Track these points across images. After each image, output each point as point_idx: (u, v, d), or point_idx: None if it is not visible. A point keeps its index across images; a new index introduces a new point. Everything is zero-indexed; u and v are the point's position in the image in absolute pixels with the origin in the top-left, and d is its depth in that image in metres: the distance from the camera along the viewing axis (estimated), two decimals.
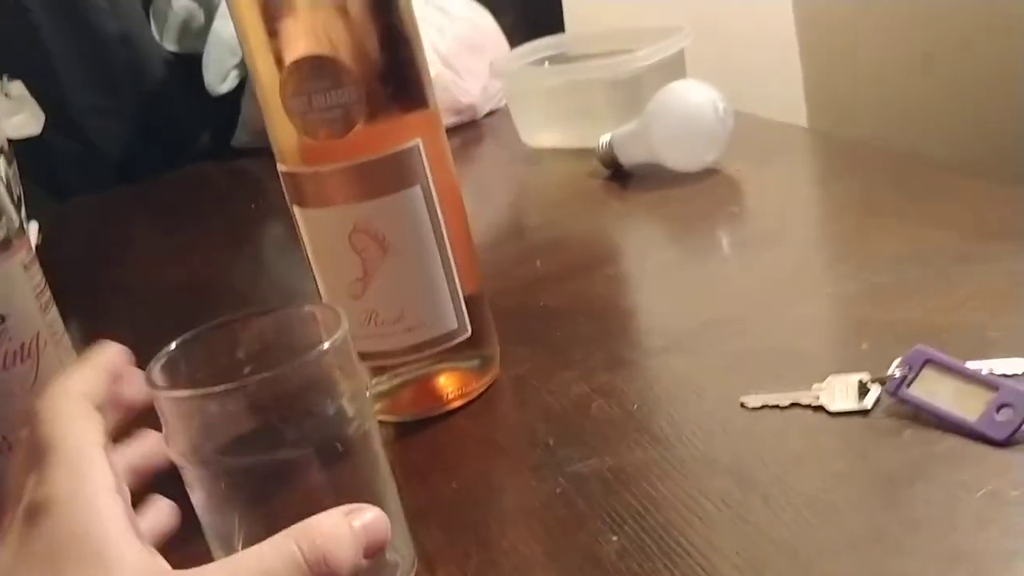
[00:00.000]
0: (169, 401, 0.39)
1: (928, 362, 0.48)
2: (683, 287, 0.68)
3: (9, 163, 0.97)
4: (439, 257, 0.55)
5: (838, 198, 0.75)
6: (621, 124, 0.89)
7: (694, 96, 0.82)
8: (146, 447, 0.43)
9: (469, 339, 0.57)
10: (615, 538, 0.43)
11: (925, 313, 0.55)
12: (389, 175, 0.52)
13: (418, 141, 0.53)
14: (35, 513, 0.36)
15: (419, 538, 0.46)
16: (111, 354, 0.42)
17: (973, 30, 1.21)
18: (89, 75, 1.29)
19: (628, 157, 0.88)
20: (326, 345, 0.39)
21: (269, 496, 0.40)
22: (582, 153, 0.97)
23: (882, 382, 0.49)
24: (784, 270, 0.66)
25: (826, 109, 1.45)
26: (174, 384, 0.41)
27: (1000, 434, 0.44)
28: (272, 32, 0.51)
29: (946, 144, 1.20)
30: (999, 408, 0.44)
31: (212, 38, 1.24)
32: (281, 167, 0.54)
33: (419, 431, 0.56)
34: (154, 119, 1.33)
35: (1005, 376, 0.47)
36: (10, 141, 0.98)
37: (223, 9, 1.25)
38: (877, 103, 1.36)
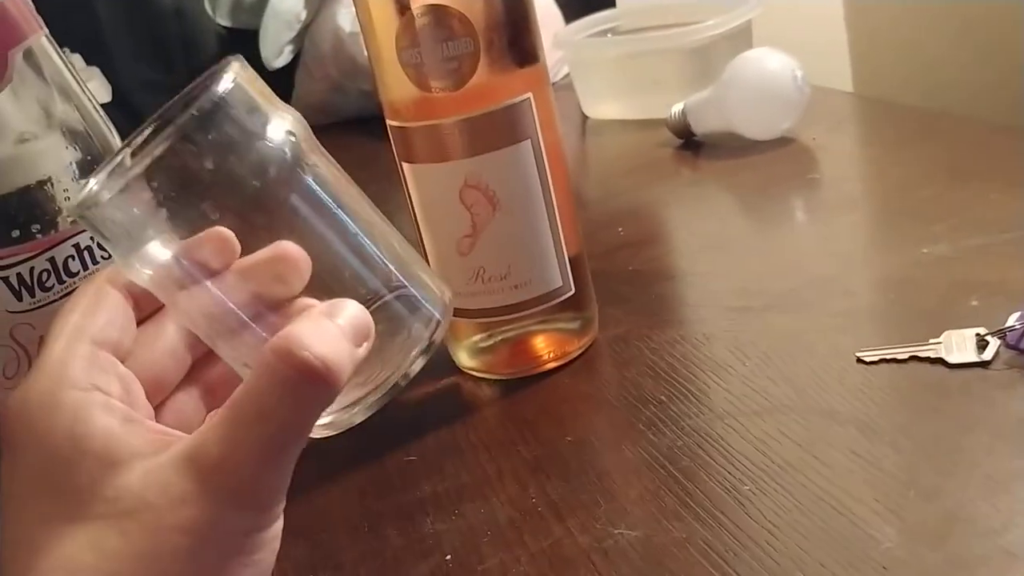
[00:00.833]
0: (113, 203, 0.34)
1: None
2: (772, 250, 0.68)
3: None
4: (546, 214, 0.55)
5: (919, 164, 0.74)
6: (687, 95, 0.89)
7: (772, 63, 0.82)
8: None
9: (571, 299, 0.57)
10: (747, 487, 0.43)
11: None
12: (501, 129, 0.52)
13: (529, 95, 0.53)
14: (5, 428, 0.34)
15: (542, 487, 0.47)
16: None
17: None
18: (142, 50, 1.29)
19: (702, 125, 0.87)
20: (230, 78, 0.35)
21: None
22: (646, 124, 0.97)
23: (1001, 335, 0.48)
24: (874, 233, 0.66)
25: (872, 81, 1.44)
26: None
27: None
28: None
29: (992, 110, 1.19)
30: None
31: (269, 11, 1.24)
32: (391, 122, 0.54)
33: (522, 388, 0.56)
34: None
35: None
36: None
37: None
38: (923, 74, 1.35)
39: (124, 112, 1.31)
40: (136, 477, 0.32)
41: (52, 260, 0.47)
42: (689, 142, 0.90)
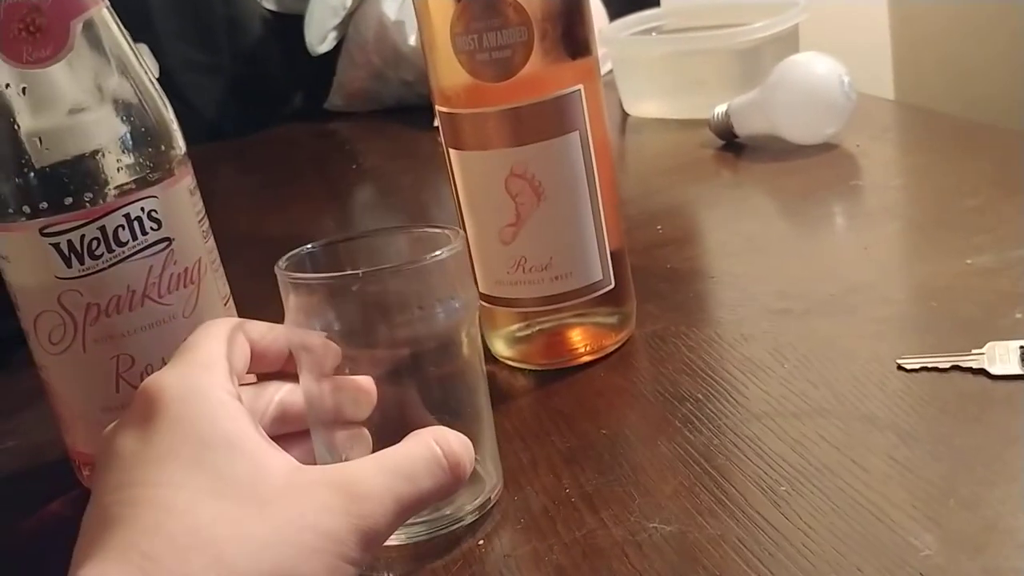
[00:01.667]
0: (299, 286, 0.42)
1: None
2: (813, 254, 0.67)
3: None
4: (591, 207, 0.55)
5: (963, 175, 0.74)
6: (731, 96, 0.89)
7: (819, 68, 0.82)
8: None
9: (610, 294, 0.57)
10: (783, 487, 0.43)
11: None
12: (549, 120, 0.52)
13: (580, 87, 0.53)
14: (151, 400, 0.38)
15: (575, 478, 0.47)
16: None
17: None
18: (188, 30, 1.30)
19: (745, 127, 0.87)
20: (444, 252, 0.42)
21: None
22: (687, 124, 0.97)
23: None
24: (917, 241, 0.66)
25: (914, 89, 1.43)
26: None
27: None
28: None
29: None
30: None
31: None
32: (441, 108, 0.54)
33: (558, 380, 0.56)
34: (249, 77, 1.34)
35: None
36: None
37: None
38: (966, 83, 1.34)
39: (167, 91, 1.32)
40: (283, 480, 0.37)
41: (103, 228, 0.47)
42: (731, 144, 0.90)
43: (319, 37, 1.24)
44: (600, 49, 1.15)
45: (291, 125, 1.36)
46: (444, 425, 0.42)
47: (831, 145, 0.84)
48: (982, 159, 0.77)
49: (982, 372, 0.49)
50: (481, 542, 0.44)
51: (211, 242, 0.53)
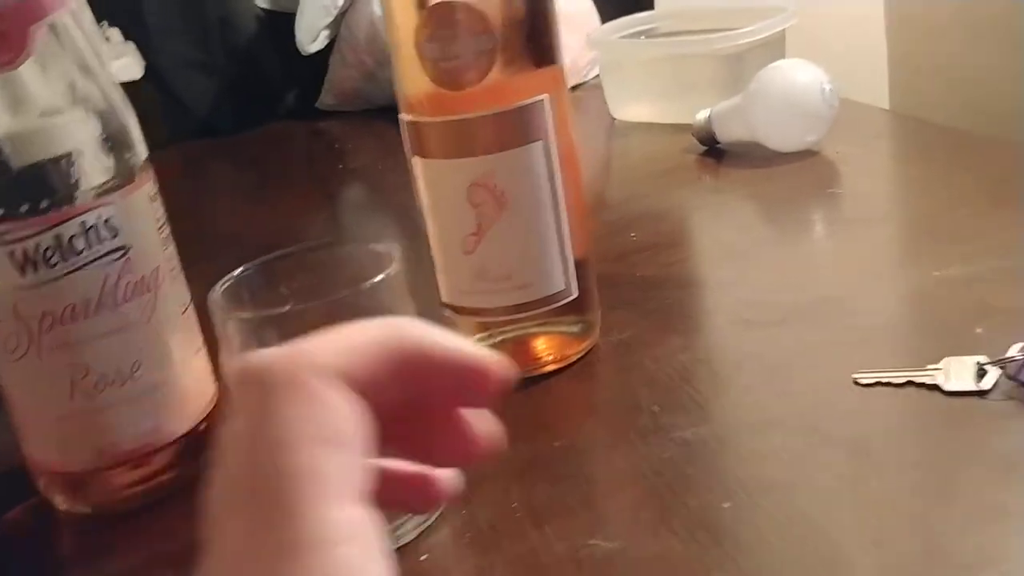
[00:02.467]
0: (233, 322, 0.42)
1: None
2: (786, 263, 0.67)
3: None
4: (554, 217, 0.54)
5: (944, 185, 0.74)
6: (717, 101, 0.88)
7: (800, 75, 0.81)
8: None
9: (573, 303, 0.57)
10: (726, 505, 0.43)
11: None
12: (513, 129, 0.52)
13: (544, 97, 0.53)
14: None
15: (525, 492, 0.47)
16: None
17: None
18: (181, 28, 1.30)
19: (726, 134, 0.87)
20: (380, 277, 0.42)
21: None
22: (673, 128, 0.96)
23: (1002, 365, 0.48)
24: (889, 251, 0.65)
25: (909, 97, 1.43)
26: (238, 307, 0.44)
27: None
28: None
29: None
30: None
31: None
32: (405, 116, 0.54)
33: (520, 389, 0.56)
34: (241, 76, 1.34)
35: None
36: None
37: None
38: (963, 92, 1.33)
39: (159, 88, 1.32)
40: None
41: (58, 237, 0.47)
42: (713, 149, 0.89)
43: (310, 36, 1.24)
44: (589, 53, 1.16)
45: (284, 123, 1.37)
46: None
47: (812, 152, 0.84)
48: (963, 169, 0.77)
49: (936, 388, 0.48)
50: (424, 558, 0.44)
51: (171, 249, 0.53)
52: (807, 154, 0.84)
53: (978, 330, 0.53)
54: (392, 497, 0.33)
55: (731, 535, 0.41)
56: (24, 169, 0.47)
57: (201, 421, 0.53)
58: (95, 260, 0.48)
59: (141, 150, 0.52)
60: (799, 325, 0.57)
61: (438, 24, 0.50)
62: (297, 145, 1.30)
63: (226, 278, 0.45)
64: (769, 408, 0.50)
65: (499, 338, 0.58)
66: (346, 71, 1.27)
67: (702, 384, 0.53)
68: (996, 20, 1.29)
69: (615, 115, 1.06)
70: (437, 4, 0.50)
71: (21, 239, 0.47)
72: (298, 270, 0.46)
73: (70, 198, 0.48)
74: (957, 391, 0.48)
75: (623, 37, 1.09)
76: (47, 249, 0.47)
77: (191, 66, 1.32)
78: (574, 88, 1.24)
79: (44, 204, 0.47)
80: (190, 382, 0.53)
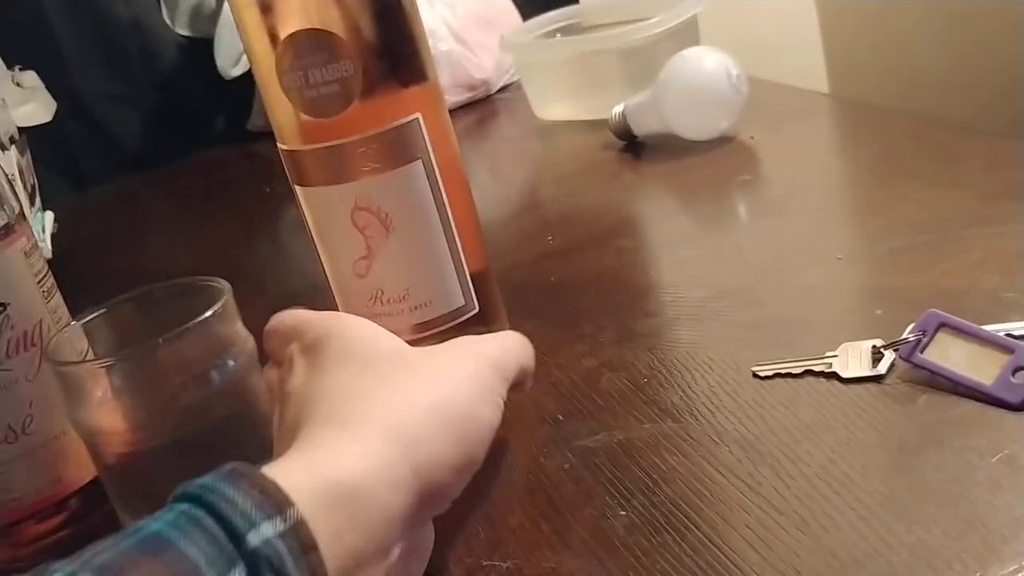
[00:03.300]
0: (65, 375, 0.44)
1: (942, 326, 0.47)
2: (695, 257, 0.67)
3: (22, 153, 0.97)
4: (443, 233, 0.54)
5: (853, 163, 0.73)
6: (634, 94, 0.88)
7: (706, 63, 0.81)
8: None
9: (477, 316, 0.56)
10: (623, 513, 0.43)
11: (938, 277, 0.54)
12: (389, 150, 0.52)
13: (417, 116, 0.52)
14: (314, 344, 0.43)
15: None
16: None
17: None
18: (101, 63, 1.28)
19: (642, 127, 0.87)
20: (209, 313, 0.44)
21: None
22: (596, 125, 0.96)
23: (896, 348, 0.48)
24: (795, 237, 0.65)
25: (847, 76, 1.42)
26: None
27: (1016, 397, 0.42)
28: (265, 8, 0.50)
29: (970, 109, 1.17)
30: (1015, 371, 0.43)
31: (223, 20, 1.23)
32: (281, 146, 0.53)
33: None
34: (169, 105, 1.33)
35: (1021, 339, 0.45)
36: (22, 130, 0.98)
37: None
38: (898, 69, 1.33)
39: (87, 125, 1.31)
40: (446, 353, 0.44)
41: None
42: (632, 144, 0.89)
43: (231, 60, 1.23)
44: (509, 56, 1.15)
45: (217, 149, 1.35)
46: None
47: (727, 139, 0.83)
48: (873, 144, 0.77)
49: (834, 376, 0.48)
50: None
51: (55, 301, 0.52)
52: (723, 140, 0.83)
53: (877, 312, 0.52)
54: None
55: (624, 545, 0.41)
56: None
57: None
58: None
59: (13, 204, 0.51)
60: (699, 321, 0.57)
61: (295, 55, 0.49)
62: (232, 169, 1.28)
63: (63, 328, 0.48)
64: (668, 409, 0.49)
65: None
66: None
67: (605, 390, 0.53)
68: None
69: (538, 115, 1.06)
70: (290, 35, 0.49)
71: None
72: (132, 315, 0.49)
73: None
74: (854, 378, 0.48)
75: (542, 35, 1.08)
76: None
77: (116, 100, 1.30)
78: (502, 89, 1.23)
79: None
80: None
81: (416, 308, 0.55)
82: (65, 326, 0.50)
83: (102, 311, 0.48)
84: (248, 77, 1.28)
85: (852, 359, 0.49)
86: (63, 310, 0.52)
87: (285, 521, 0.33)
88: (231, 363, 0.45)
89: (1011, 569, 0.35)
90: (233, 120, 1.35)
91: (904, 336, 0.47)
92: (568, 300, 0.64)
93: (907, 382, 0.46)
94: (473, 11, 1.18)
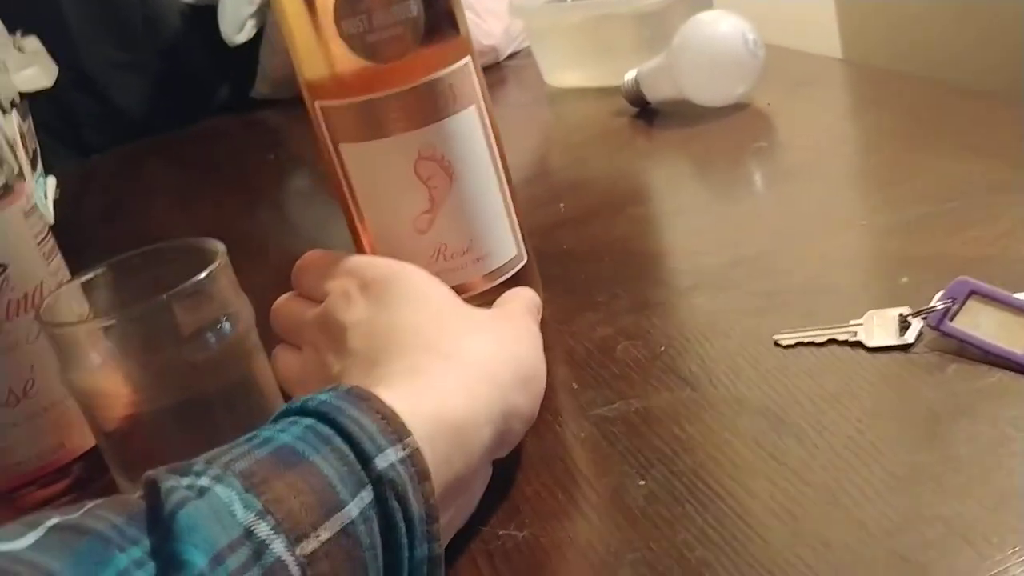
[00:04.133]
0: (58, 336, 0.43)
1: (972, 293, 0.45)
2: (710, 225, 0.65)
3: (24, 117, 0.96)
4: (498, 180, 0.53)
5: (872, 130, 0.72)
6: (647, 60, 0.86)
7: (722, 27, 0.79)
8: None
9: (524, 271, 0.55)
10: (642, 482, 0.42)
11: (966, 245, 0.52)
12: (451, 95, 0.50)
13: (468, 60, 0.50)
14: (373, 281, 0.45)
15: None
16: None
17: None
18: (104, 30, 1.26)
19: (655, 94, 0.85)
20: (204, 274, 0.43)
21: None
22: (607, 92, 0.94)
23: (924, 316, 0.46)
24: (814, 204, 0.63)
25: (860, 40, 1.40)
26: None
27: None
28: None
29: (986, 76, 1.15)
30: None
31: None
32: (323, 103, 0.51)
33: None
34: (172, 73, 1.31)
35: None
36: (23, 95, 0.97)
37: None
38: (911, 34, 1.31)
39: (90, 93, 1.29)
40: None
41: None
42: (645, 110, 0.87)
43: (235, 27, 1.21)
44: (517, 22, 1.13)
45: (221, 117, 1.34)
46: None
47: (742, 105, 0.82)
48: (893, 110, 0.75)
49: (859, 344, 0.47)
50: None
51: (56, 263, 0.50)
52: (738, 107, 0.82)
53: (903, 280, 0.51)
54: None
55: (643, 514, 0.40)
56: None
57: None
58: None
59: (12, 164, 0.49)
60: (718, 289, 0.55)
61: None
62: (232, 138, 1.26)
63: (54, 292, 0.46)
64: (687, 378, 0.48)
65: None
66: (277, 58, 1.24)
67: (621, 358, 0.51)
68: None
69: (548, 81, 1.04)
70: None
71: None
72: (128, 275, 0.47)
73: None
74: (880, 347, 0.46)
75: (549, 2, 1.06)
76: None
77: (119, 68, 1.29)
78: (511, 56, 1.21)
79: None
80: None
81: (479, 260, 0.53)
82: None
83: (93, 273, 0.47)
84: (252, 44, 1.26)
85: (878, 328, 0.47)
86: (64, 272, 0.51)
87: (404, 448, 0.34)
88: (227, 325, 0.44)
89: None
90: (237, 88, 1.33)
91: (932, 304, 0.46)
92: (581, 268, 0.63)
93: (935, 351, 0.45)
94: None
